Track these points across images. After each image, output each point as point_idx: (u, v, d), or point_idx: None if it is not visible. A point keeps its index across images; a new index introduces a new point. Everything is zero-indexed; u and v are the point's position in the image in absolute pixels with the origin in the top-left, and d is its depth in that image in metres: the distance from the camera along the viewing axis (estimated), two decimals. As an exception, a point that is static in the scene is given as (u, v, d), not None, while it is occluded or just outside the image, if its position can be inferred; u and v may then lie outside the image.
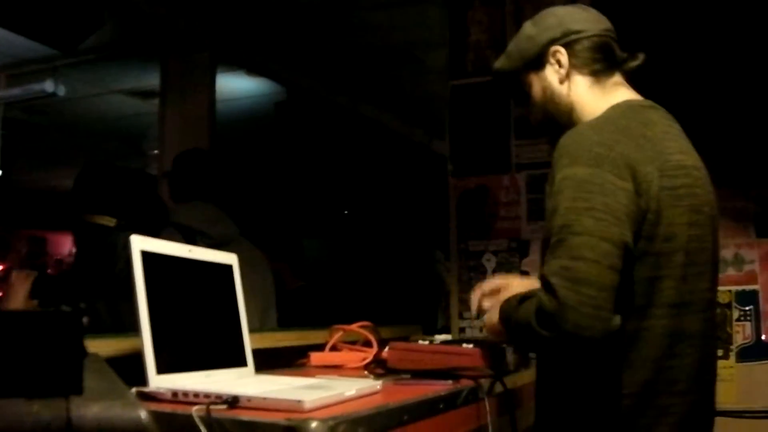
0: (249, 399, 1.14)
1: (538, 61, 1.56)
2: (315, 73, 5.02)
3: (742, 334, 2.54)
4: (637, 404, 1.33)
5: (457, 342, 1.77)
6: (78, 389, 0.84)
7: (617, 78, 1.54)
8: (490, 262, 2.81)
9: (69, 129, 6.49)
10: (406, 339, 1.99)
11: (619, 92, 1.52)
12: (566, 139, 1.38)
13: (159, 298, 1.33)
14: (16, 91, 4.59)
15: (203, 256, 1.53)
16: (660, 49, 2.06)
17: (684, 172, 1.38)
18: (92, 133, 6.59)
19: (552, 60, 1.54)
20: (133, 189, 2.35)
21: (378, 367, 1.72)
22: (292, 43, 4.40)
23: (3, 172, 6.31)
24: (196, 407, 1.09)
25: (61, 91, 4.38)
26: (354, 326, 2.04)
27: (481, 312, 1.60)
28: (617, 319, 1.24)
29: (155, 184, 3.08)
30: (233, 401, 1.12)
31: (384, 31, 4.26)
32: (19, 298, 1.96)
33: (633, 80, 1.56)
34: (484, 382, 1.54)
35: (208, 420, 1.06)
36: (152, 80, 4.86)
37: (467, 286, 2.82)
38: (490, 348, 1.67)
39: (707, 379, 1.42)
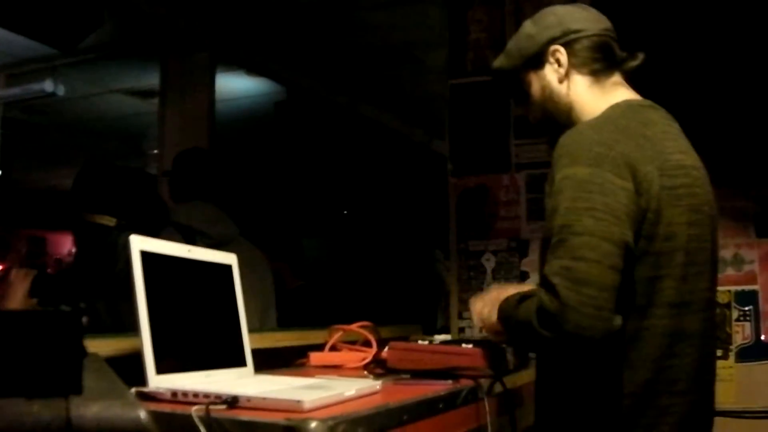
0: (248, 399, 1.13)
1: (537, 59, 1.56)
2: (315, 73, 5.02)
3: (741, 334, 2.54)
4: (637, 404, 1.33)
5: (457, 342, 1.77)
6: (77, 389, 0.84)
7: (616, 78, 1.54)
8: (489, 261, 2.81)
9: (68, 129, 6.49)
10: (405, 339, 1.99)
11: (618, 92, 1.52)
12: (566, 139, 1.38)
13: (158, 298, 1.33)
14: (15, 91, 4.60)
15: (203, 256, 1.53)
16: (660, 48, 2.06)
17: (683, 172, 1.38)
18: (92, 133, 6.59)
19: (551, 59, 1.54)
20: (133, 188, 2.35)
21: (377, 367, 1.72)
22: (291, 43, 4.40)
23: (3, 172, 6.32)
24: (195, 407, 1.09)
25: (61, 90, 4.38)
26: (353, 326, 2.04)
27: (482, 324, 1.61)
28: (618, 320, 1.24)
29: (155, 184, 3.08)
30: (233, 401, 1.12)
31: (384, 31, 4.26)
32: (18, 296, 1.96)
33: (633, 80, 1.56)
34: (484, 382, 1.54)
35: (207, 420, 1.06)
36: (152, 80, 4.86)
37: (467, 286, 2.83)
38: (489, 348, 1.67)
39: (707, 378, 1.43)
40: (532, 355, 1.81)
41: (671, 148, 1.39)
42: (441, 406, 1.37)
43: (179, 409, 1.11)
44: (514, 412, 1.60)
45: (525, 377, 1.75)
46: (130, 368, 1.21)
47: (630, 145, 1.34)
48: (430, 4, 3.63)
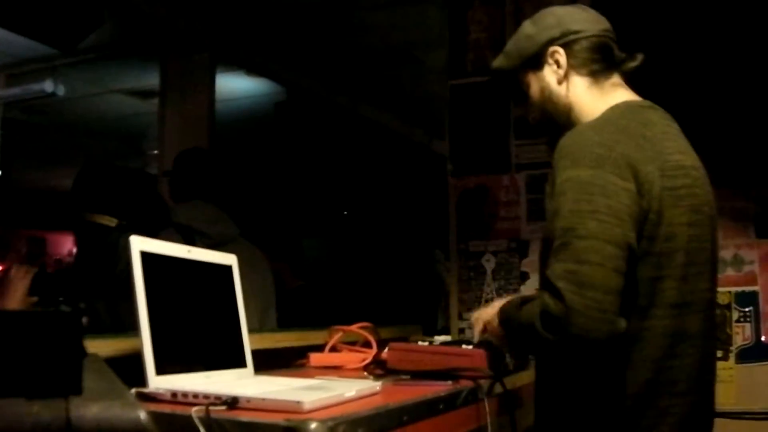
0: (248, 400, 1.13)
1: (536, 60, 1.56)
2: (315, 74, 5.02)
3: (741, 335, 2.54)
4: (637, 405, 1.33)
5: (457, 343, 1.77)
6: (77, 389, 0.84)
7: (616, 79, 1.54)
8: (489, 262, 2.81)
9: (68, 129, 6.49)
10: (405, 340, 1.99)
11: (617, 93, 1.52)
12: (566, 140, 1.38)
13: (158, 298, 1.33)
14: (15, 91, 4.60)
15: (203, 257, 1.53)
16: (659, 49, 2.06)
17: (684, 172, 1.38)
18: (92, 133, 6.59)
19: (550, 60, 1.54)
20: (133, 189, 2.35)
21: (377, 368, 1.72)
22: (291, 44, 4.40)
23: (3, 172, 6.32)
24: (195, 408, 1.09)
25: (61, 90, 4.39)
26: (353, 327, 2.04)
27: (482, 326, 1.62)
28: (623, 322, 1.24)
29: (155, 184, 3.08)
30: (232, 402, 1.12)
31: (384, 31, 4.26)
32: (18, 294, 1.95)
33: (632, 81, 1.56)
34: (484, 383, 1.54)
35: (207, 421, 1.06)
36: (152, 80, 4.86)
37: (467, 287, 2.83)
38: (489, 349, 1.67)
39: (707, 379, 1.43)
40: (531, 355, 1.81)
41: (671, 149, 1.39)
42: (441, 406, 1.37)
43: (179, 409, 1.11)
44: (514, 412, 1.60)
45: (525, 378, 1.75)
46: (129, 369, 1.21)
47: (630, 146, 1.34)
48: (430, 4, 3.63)
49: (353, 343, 2.04)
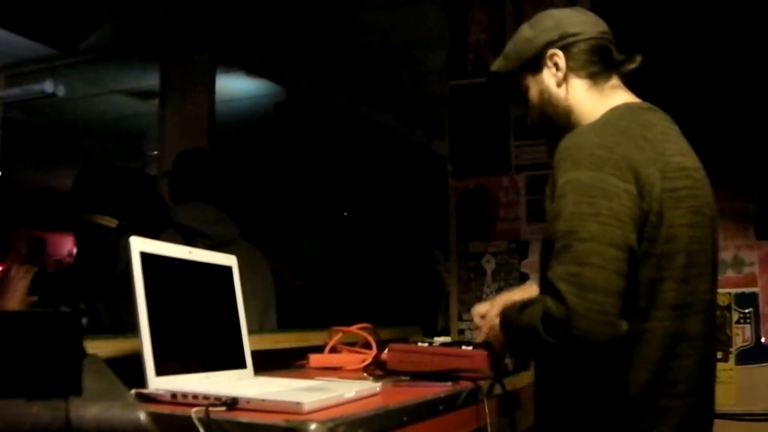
0: (248, 401, 1.13)
1: (535, 63, 1.56)
2: (315, 74, 5.02)
3: (741, 336, 2.54)
4: (637, 406, 1.33)
5: (457, 344, 1.77)
6: (77, 390, 0.84)
7: (615, 81, 1.54)
8: (489, 263, 2.81)
9: (68, 129, 6.49)
10: (405, 341, 1.99)
11: (617, 95, 1.52)
12: (567, 142, 1.38)
13: (158, 299, 1.33)
14: (15, 92, 4.60)
15: (203, 258, 1.53)
16: (659, 51, 2.06)
17: (684, 174, 1.38)
18: (92, 134, 6.59)
19: (549, 63, 1.54)
20: (133, 189, 2.35)
21: (377, 369, 1.72)
22: (291, 44, 4.40)
23: (3, 172, 6.32)
24: (195, 409, 1.09)
25: (61, 91, 4.39)
26: (353, 328, 2.04)
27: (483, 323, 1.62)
28: (624, 324, 1.25)
29: (155, 185, 3.08)
30: (232, 403, 1.12)
31: (384, 32, 4.26)
32: (18, 294, 1.95)
33: (632, 82, 1.56)
34: (484, 384, 1.54)
35: (207, 421, 1.06)
36: (152, 80, 4.86)
37: (467, 287, 2.83)
38: (489, 350, 1.67)
39: (707, 380, 1.43)
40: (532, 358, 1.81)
41: (672, 150, 1.40)
42: (441, 407, 1.37)
43: (179, 410, 1.11)
44: (513, 413, 1.60)
45: (525, 379, 1.75)
46: (129, 369, 1.21)
47: (631, 148, 1.34)
48: (430, 5, 3.63)
49: (353, 344, 2.04)
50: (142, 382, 1.24)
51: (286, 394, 1.20)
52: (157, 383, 1.25)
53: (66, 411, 0.80)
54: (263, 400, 1.13)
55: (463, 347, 1.67)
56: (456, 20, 2.96)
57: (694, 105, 2.43)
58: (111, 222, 2.22)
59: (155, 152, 4.98)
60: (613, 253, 1.25)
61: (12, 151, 5.98)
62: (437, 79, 3.25)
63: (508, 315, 1.43)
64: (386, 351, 1.76)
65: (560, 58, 1.52)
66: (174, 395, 1.20)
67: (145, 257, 1.34)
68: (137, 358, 1.26)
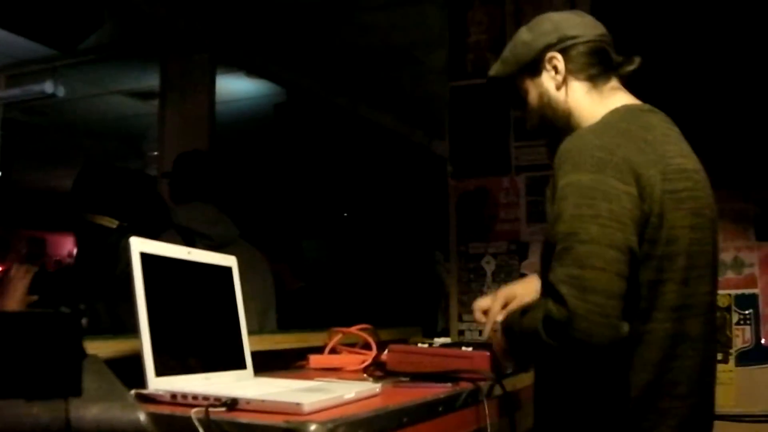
0: (248, 401, 1.13)
1: (534, 66, 1.56)
2: (315, 75, 5.02)
3: (741, 337, 2.54)
4: (637, 407, 1.33)
5: (457, 345, 1.77)
6: (77, 391, 0.84)
7: (614, 83, 1.54)
8: (489, 264, 2.81)
9: (68, 130, 6.49)
10: (405, 341, 1.99)
11: (616, 97, 1.52)
12: (567, 145, 1.38)
13: (158, 300, 1.33)
14: (15, 92, 4.60)
15: (203, 259, 1.53)
16: (659, 52, 2.06)
17: (685, 176, 1.38)
18: (92, 134, 6.59)
19: (548, 66, 1.54)
20: (133, 190, 2.35)
21: (377, 370, 1.72)
22: (291, 45, 4.41)
23: (3, 173, 6.32)
24: (194, 409, 1.09)
25: (61, 91, 4.39)
26: (353, 329, 2.04)
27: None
28: (626, 326, 1.25)
29: (155, 185, 3.08)
30: (232, 403, 1.12)
31: (384, 32, 4.26)
32: (18, 294, 1.95)
33: (632, 84, 1.56)
34: (484, 385, 1.54)
35: (206, 422, 1.06)
36: (152, 81, 4.86)
37: (467, 288, 2.83)
38: (489, 351, 1.67)
39: (707, 381, 1.42)
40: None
41: (672, 152, 1.40)
42: (440, 408, 1.37)
43: (178, 411, 1.11)
44: (513, 414, 1.60)
45: (524, 380, 1.75)
46: (129, 370, 1.21)
47: (632, 150, 1.34)
48: (430, 5, 3.63)
49: (353, 345, 2.04)
50: (141, 382, 1.24)
51: (286, 394, 1.20)
52: (157, 384, 1.25)
53: (66, 411, 0.80)
54: (263, 401, 1.13)
55: (463, 348, 1.67)
56: (456, 20, 2.96)
57: (694, 106, 2.42)
58: (111, 222, 2.21)
59: (155, 153, 4.98)
60: (613, 255, 1.25)
61: (12, 151, 5.98)
62: (437, 80, 3.25)
63: (509, 320, 1.43)
64: (386, 352, 1.76)
65: (559, 61, 1.52)
66: (174, 396, 1.20)
67: (145, 258, 1.34)
68: (137, 358, 1.26)
